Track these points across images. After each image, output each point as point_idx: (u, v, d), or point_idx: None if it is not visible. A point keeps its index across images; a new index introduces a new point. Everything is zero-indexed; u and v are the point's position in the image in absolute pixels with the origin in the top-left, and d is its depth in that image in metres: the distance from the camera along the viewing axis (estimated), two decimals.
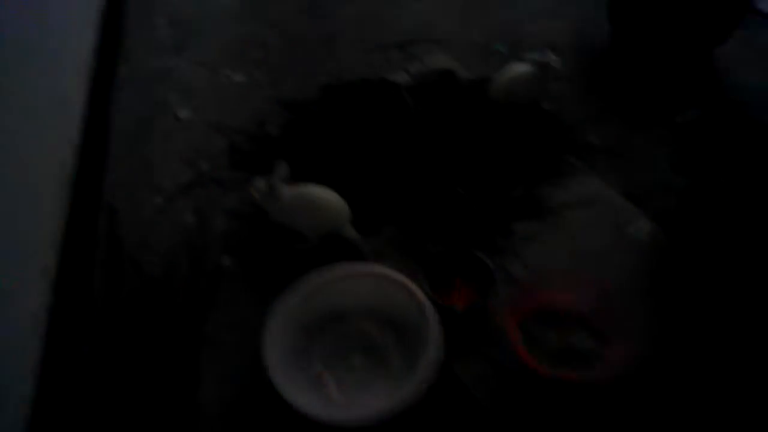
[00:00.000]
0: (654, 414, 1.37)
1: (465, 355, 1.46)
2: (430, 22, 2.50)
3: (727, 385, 1.42)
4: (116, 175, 1.96)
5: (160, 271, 1.70)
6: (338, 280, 1.55)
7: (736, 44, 2.21)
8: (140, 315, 1.62)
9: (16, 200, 1.48)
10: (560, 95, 2.08)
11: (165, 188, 1.92)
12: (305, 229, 1.68)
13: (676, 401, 1.39)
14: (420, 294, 1.45)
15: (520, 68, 1.91)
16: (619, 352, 1.38)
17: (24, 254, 1.48)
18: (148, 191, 1.92)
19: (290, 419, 1.28)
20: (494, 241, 1.67)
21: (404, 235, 1.72)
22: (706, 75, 2.23)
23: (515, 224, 1.72)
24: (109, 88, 2.22)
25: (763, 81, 2.18)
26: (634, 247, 1.69)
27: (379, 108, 1.86)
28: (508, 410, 1.39)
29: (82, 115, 1.97)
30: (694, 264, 1.64)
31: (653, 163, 1.89)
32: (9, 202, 1.44)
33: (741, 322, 1.53)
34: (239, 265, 1.71)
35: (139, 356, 1.52)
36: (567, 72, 2.04)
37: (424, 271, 1.53)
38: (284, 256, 1.71)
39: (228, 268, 1.71)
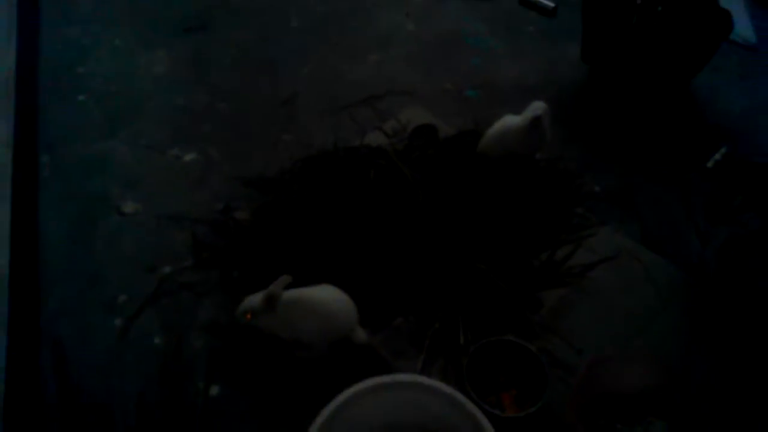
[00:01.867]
0: None
1: None
2: (392, 73, 2.32)
3: None
4: (56, 297, 1.60)
5: (132, 417, 1.36)
6: (367, 394, 1.29)
7: (712, 72, 2.19)
8: None
9: None
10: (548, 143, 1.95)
11: (121, 305, 1.58)
12: (310, 340, 1.41)
13: None
14: (471, 407, 1.22)
15: (512, 121, 1.75)
16: None
17: None
18: (100, 313, 1.56)
19: None
20: (525, 317, 1.47)
21: (423, 327, 1.48)
22: (686, 105, 2.19)
23: (542, 294, 1.54)
24: (32, 189, 1.84)
25: (742, 107, 2.16)
26: (673, 300, 1.55)
27: (371, 181, 1.63)
28: None
29: (6, 232, 1.60)
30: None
31: (664, 208, 1.78)
32: None
33: None
34: (232, 395, 1.41)
35: None
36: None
37: (467, 375, 1.30)
38: (287, 374, 1.42)
39: (218, 399, 1.40)
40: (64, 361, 1.46)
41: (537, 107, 1.67)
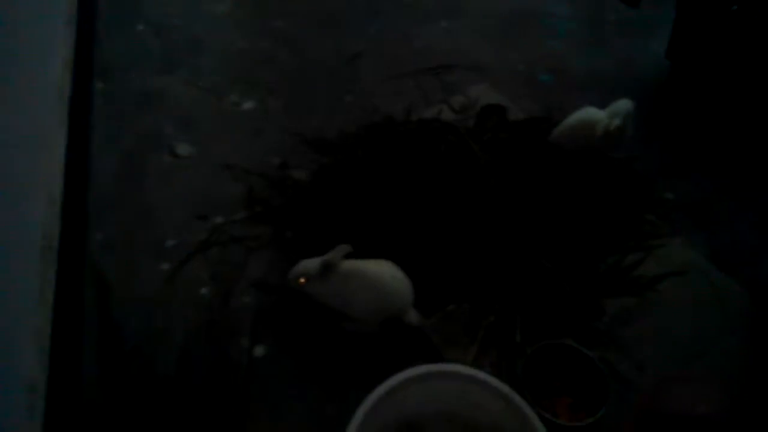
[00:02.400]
0: None
1: None
2: (463, 44, 2.20)
3: None
4: (103, 232, 1.55)
5: (173, 367, 1.33)
6: (412, 382, 1.24)
7: None
8: (150, 429, 1.24)
9: None
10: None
11: (169, 249, 1.54)
12: (361, 315, 1.36)
13: None
14: (525, 407, 1.17)
15: (594, 115, 1.65)
16: None
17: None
18: (147, 254, 1.52)
19: None
20: (587, 324, 1.41)
21: (478, 317, 1.42)
22: None
23: (606, 301, 1.47)
24: (87, 116, 1.78)
25: None
26: (740, 324, 1.48)
27: (440, 157, 1.55)
28: None
29: (61, 158, 1.54)
30: None
31: (741, 227, 1.69)
32: None
33: None
34: (276, 357, 1.37)
35: None
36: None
37: (523, 375, 1.25)
38: (334, 343, 1.38)
39: (263, 360, 1.36)
40: (108, 298, 1.42)
41: (625, 108, 1.57)
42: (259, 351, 1.37)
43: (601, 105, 1.72)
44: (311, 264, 1.33)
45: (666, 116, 2.04)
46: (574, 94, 2.02)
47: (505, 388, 1.19)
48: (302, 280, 1.33)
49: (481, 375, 1.22)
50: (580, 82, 2.10)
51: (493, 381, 1.21)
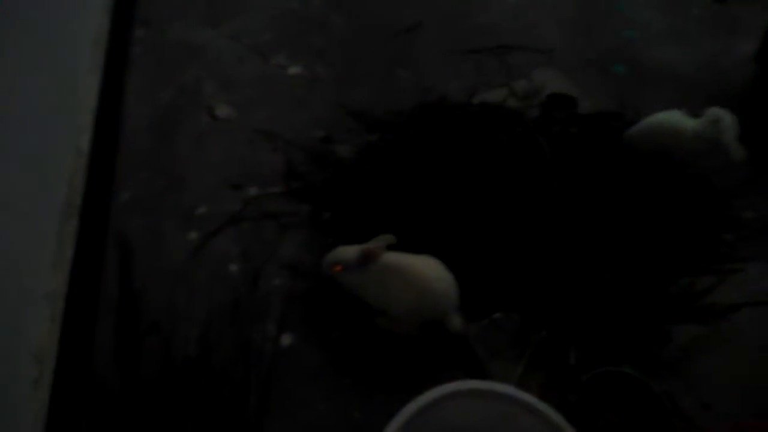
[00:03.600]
0: None
1: None
2: (530, 24, 2.02)
3: None
4: (130, 191, 1.44)
5: (193, 347, 1.23)
6: (450, 399, 1.12)
7: None
8: (164, 414, 1.14)
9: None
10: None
11: (199, 218, 1.42)
12: (399, 313, 1.23)
13: None
14: None
15: (681, 122, 1.47)
16: None
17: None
18: (176, 221, 1.41)
19: None
20: (650, 351, 1.26)
21: (527, 330, 1.28)
22: None
23: (673, 328, 1.32)
24: (123, 66, 1.66)
25: None
26: None
27: (502, 148, 1.40)
28: None
29: (92, 108, 1.42)
30: None
31: None
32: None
33: None
34: (304, 348, 1.25)
35: None
36: None
37: (578, 404, 1.12)
38: (367, 341, 1.26)
39: (288, 350, 1.25)
40: (130, 264, 1.32)
41: (722, 120, 1.40)
42: (285, 340, 1.25)
43: (678, 105, 1.55)
44: (349, 251, 1.20)
45: (749, 125, 1.84)
46: (648, 90, 1.83)
47: (556, 417, 1.07)
48: (338, 267, 1.21)
49: (531, 399, 1.09)
50: (656, 78, 1.90)
51: (543, 407, 1.08)
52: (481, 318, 1.29)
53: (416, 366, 1.24)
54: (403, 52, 1.87)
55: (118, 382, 1.16)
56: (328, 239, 1.36)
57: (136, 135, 1.56)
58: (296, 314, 1.29)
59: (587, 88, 1.81)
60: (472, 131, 1.43)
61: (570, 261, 1.32)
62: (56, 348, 1.05)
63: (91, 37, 1.54)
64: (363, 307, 1.25)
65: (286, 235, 1.41)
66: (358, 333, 1.27)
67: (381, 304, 1.24)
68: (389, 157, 1.47)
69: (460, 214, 1.34)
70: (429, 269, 1.21)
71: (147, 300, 1.27)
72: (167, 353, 1.20)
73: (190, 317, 1.25)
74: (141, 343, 1.21)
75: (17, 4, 1.10)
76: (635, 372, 1.18)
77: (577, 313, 1.27)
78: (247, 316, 1.27)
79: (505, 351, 1.27)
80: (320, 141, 1.59)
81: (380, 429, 1.05)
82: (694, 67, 1.98)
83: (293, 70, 1.76)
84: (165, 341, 1.22)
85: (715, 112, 1.41)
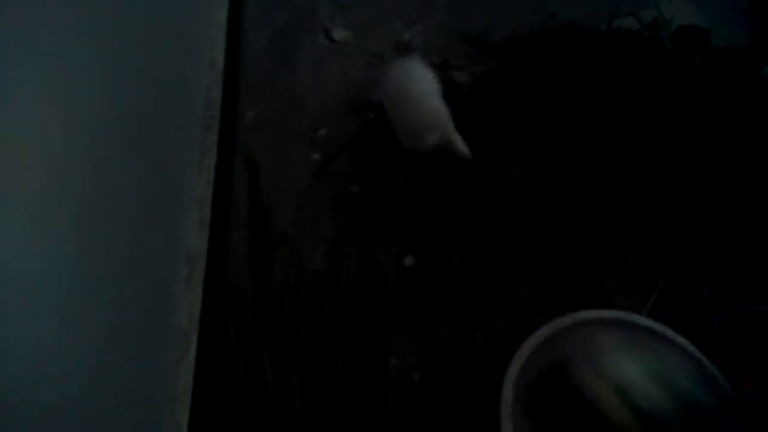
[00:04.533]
0: None
1: None
2: None
3: None
4: (255, 111, 1.47)
5: (320, 261, 1.27)
6: (580, 326, 1.12)
7: None
8: (293, 318, 1.20)
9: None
10: None
11: (321, 139, 1.44)
12: (403, 140, 1.29)
13: None
14: (718, 374, 1.03)
15: None
16: None
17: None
18: (300, 141, 1.43)
19: None
20: None
21: (656, 267, 1.26)
22: None
23: None
24: None
25: None
26: None
27: (641, 75, 1.33)
28: None
29: (223, 23, 1.44)
30: None
31: None
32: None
33: None
34: (425, 271, 1.28)
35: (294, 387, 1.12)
36: None
37: (715, 341, 1.10)
38: (481, 264, 1.27)
39: (411, 271, 1.27)
40: (257, 179, 1.36)
41: None
42: (408, 261, 1.28)
43: None
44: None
45: None
46: None
47: (695, 350, 1.05)
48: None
49: (666, 330, 1.08)
50: None
51: (680, 338, 1.07)
52: (606, 255, 1.28)
53: (539, 295, 1.25)
54: None
55: (251, 287, 1.22)
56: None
57: (257, 55, 1.57)
58: (418, 243, 1.31)
59: (717, 22, 1.68)
60: (607, 57, 1.36)
61: (707, 196, 1.27)
62: (205, 251, 1.12)
63: None
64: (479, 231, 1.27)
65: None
66: (477, 257, 1.29)
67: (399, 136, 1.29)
68: (511, 85, 1.43)
69: (591, 144, 1.30)
70: (416, 88, 1.28)
71: (275, 215, 1.32)
72: (297, 264, 1.25)
73: (316, 232, 1.30)
74: (272, 253, 1.27)
75: None
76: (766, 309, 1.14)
77: (709, 252, 1.23)
78: (370, 236, 1.30)
79: (633, 286, 1.26)
80: (437, 67, 1.55)
81: (501, 351, 1.07)
82: None
83: None
84: (294, 253, 1.27)
85: None
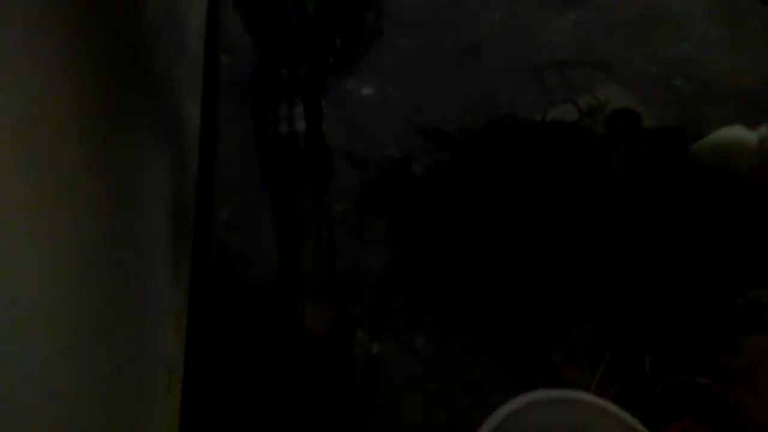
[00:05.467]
0: None
1: None
2: (590, 40, 2.08)
3: None
4: (230, 211, 1.59)
5: None
6: (533, 406, 1.21)
7: None
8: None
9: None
10: None
11: None
12: None
13: None
14: None
15: (742, 136, 1.52)
16: None
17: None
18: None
19: None
20: (720, 359, 1.33)
21: (602, 341, 1.37)
22: None
23: (741, 338, 1.38)
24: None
25: None
26: None
27: (574, 165, 1.48)
28: None
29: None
30: None
31: None
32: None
33: None
34: (393, 355, 1.37)
35: None
36: None
37: (655, 412, 1.20)
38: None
39: (378, 357, 1.37)
40: (234, 278, 1.46)
41: None
42: (375, 348, 1.38)
43: (741, 120, 1.60)
44: None
45: None
46: (711, 104, 1.88)
47: (633, 422, 1.15)
48: None
49: (609, 405, 1.18)
50: (718, 92, 1.94)
51: (622, 413, 1.17)
52: (556, 330, 1.39)
53: (502, 373, 1.34)
54: (467, 69, 1.97)
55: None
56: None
57: (230, 154, 1.70)
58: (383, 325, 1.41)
59: (650, 103, 1.87)
60: (543, 149, 1.52)
61: (643, 274, 1.39)
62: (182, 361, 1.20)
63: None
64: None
65: (367, 249, 1.53)
66: (441, 340, 1.39)
67: None
68: (462, 177, 1.57)
69: (533, 228, 1.43)
70: None
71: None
72: None
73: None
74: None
75: None
76: (708, 382, 1.25)
77: (650, 325, 1.35)
78: (343, 328, 1.39)
79: (581, 360, 1.36)
80: (398, 161, 1.69)
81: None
82: (756, 79, 2.01)
83: (366, 90, 1.88)
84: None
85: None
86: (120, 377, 0.94)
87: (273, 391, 1.29)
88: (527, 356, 1.35)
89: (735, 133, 1.53)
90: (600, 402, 1.17)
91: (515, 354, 1.35)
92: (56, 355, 0.68)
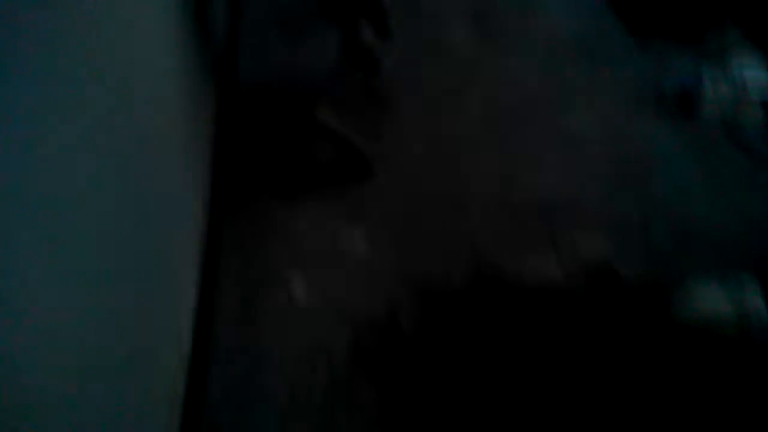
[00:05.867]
0: None
1: None
2: (574, 187, 2.18)
3: None
4: (223, 380, 1.64)
5: None
6: None
7: None
8: None
9: None
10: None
11: (277, 401, 1.60)
12: None
13: None
14: None
15: (713, 300, 1.57)
16: None
17: None
18: (260, 410, 1.59)
19: None
20: None
21: None
22: None
23: None
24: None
25: None
26: None
27: (554, 331, 1.53)
28: None
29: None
30: None
31: None
32: None
33: None
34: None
35: None
36: None
37: None
38: None
39: None
40: None
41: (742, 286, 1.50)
42: None
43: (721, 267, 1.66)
44: None
45: None
46: (693, 253, 1.95)
47: None
48: None
49: None
50: (700, 240, 2.01)
51: None
52: None
53: None
54: (457, 218, 2.06)
55: None
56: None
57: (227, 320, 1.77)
58: None
59: (629, 255, 1.93)
60: (525, 312, 1.58)
61: None
62: None
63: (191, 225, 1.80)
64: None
65: (352, 415, 1.56)
66: None
67: None
68: (447, 333, 1.62)
69: (516, 392, 1.46)
70: None
71: None
72: None
73: None
74: None
75: None
76: None
77: None
78: None
79: None
80: (387, 316, 1.76)
81: None
82: (738, 227, 2.07)
83: (359, 246, 1.97)
84: None
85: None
86: None
87: None
88: None
89: (712, 308, 1.57)
90: None
91: None
92: None
